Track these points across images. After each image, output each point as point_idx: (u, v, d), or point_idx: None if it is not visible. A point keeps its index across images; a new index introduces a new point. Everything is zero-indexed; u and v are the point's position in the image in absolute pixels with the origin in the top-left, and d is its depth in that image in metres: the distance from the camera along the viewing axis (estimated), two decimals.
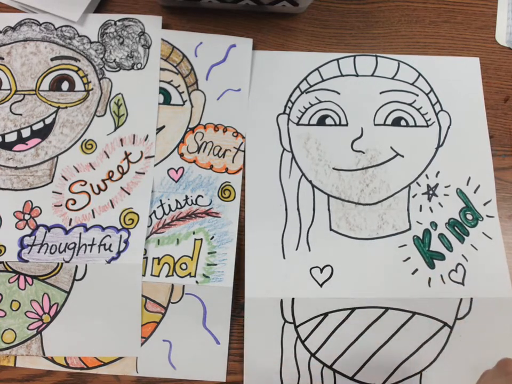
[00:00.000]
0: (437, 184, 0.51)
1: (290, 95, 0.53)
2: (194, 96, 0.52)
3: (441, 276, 0.49)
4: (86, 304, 0.46)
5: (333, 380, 0.46)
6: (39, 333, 0.46)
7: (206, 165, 0.51)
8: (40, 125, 0.50)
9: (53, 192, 0.49)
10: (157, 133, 0.51)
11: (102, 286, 0.47)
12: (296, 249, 0.49)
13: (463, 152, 0.53)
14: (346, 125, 0.53)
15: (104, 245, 0.48)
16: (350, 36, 0.56)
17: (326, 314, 0.47)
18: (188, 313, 0.47)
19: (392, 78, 0.54)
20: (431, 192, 0.51)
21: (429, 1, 0.58)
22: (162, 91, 0.52)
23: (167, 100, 0.52)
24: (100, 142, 0.50)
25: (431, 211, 0.51)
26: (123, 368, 0.46)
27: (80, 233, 0.48)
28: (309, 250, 0.49)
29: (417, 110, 0.53)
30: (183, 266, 0.48)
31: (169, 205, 0.49)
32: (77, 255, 0.47)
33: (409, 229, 0.50)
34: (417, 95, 0.54)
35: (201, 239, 0.49)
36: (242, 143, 0.52)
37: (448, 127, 0.53)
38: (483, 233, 0.50)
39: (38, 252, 0.47)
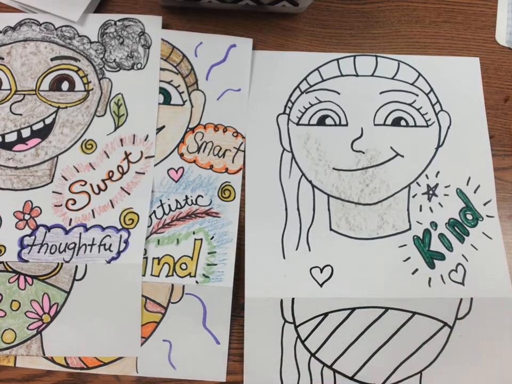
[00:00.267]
0: (437, 184, 0.51)
1: (290, 95, 0.53)
2: (194, 96, 0.52)
3: (441, 275, 0.49)
4: (86, 304, 0.46)
5: (333, 379, 0.46)
6: (39, 333, 0.46)
7: (206, 165, 0.51)
8: (40, 125, 0.50)
9: (53, 192, 0.49)
10: (157, 133, 0.51)
11: (102, 286, 0.47)
12: (296, 249, 0.49)
13: (463, 152, 0.53)
14: (346, 125, 0.53)
15: (104, 245, 0.48)
16: (350, 36, 0.56)
17: (326, 314, 0.47)
18: (188, 313, 0.47)
19: (392, 78, 0.54)
20: (431, 192, 0.51)
21: (429, 1, 0.58)
22: (162, 91, 0.52)
23: (167, 100, 0.52)
24: (99, 142, 0.50)
25: (431, 211, 0.51)
26: (123, 368, 0.46)
27: (80, 233, 0.48)
28: (309, 250, 0.49)
29: (417, 110, 0.53)
30: (183, 266, 0.48)
31: (169, 205, 0.49)
32: (77, 255, 0.47)
33: (409, 229, 0.50)
34: (417, 95, 0.54)
35: (201, 239, 0.49)
36: (242, 143, 0.52)
37: (448, 127, 0.53)
38: (483, 233, 0.50)
39: (38, 252, 0.47)
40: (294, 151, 0.52)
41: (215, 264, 0.48)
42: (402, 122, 0.53)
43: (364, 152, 0.52)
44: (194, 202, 0.50)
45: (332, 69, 0.54)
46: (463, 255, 0.49)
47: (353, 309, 0.47)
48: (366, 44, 0.56)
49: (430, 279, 0.49)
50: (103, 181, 0.49)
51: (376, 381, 0.46)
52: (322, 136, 0.52)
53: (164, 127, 0.51)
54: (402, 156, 0.52)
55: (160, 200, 0.49)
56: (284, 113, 0.53)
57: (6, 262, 0.47)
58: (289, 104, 0.53)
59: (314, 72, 0.54)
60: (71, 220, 0.48)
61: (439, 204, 0.51)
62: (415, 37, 0.56)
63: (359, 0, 0.57)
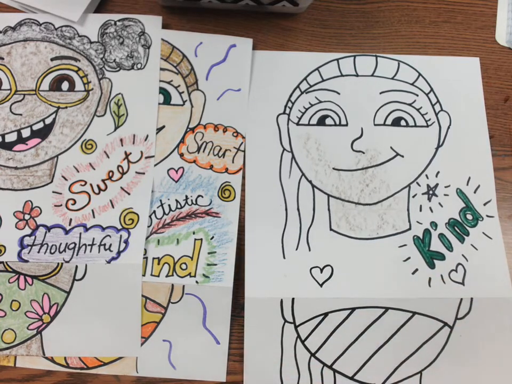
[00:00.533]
0: (437, 184, 0.51)
1: (290, 95, 0.53)
2: (194, 96, 0.52)
3: (442, 275, 0.49)
4: (86, 304, 0.46)
5: (333, 379, 0.46)
6: (39, 333, 0.46)
7: (206, 165, 0.51)
8: (40, 125, 0.50)
9: (53, 192, 0.49)
10: (157, 133, 0.51)
11: (102, 286, 0.47)
12: (296, 249, 0.49)
13: (463, 152, 0.53)
14: (346, 125, 0.53)
15: (104, 245, 0.48)
16: (350, 36, 0.56)
17: (326, 314, 0.47)
18: (188, 313, 0.47)
19: (392, 78, 0.54)
20: (431, 192, 0.51)
21: (429, 1, 0.58)
22: (162, 91, 0.52)
23: (167, 100, 0.52)
24: (99, 142, 0.50)
25: (431, 211, 0.51)
26: (123, 368, 0.46)
27: (80, 233, 0.48)
28: (309, 250, 0.49)
29: (417, 110, 0.53)
30: (183, 266, 0.48)
31: (169, 205, 0.49)
32: (77, 255, 0.47)
33: (409, 229, 0.50)
34: (417, 95, 0.54)
35: (201, 239, 0.49)
36: (242, 143, 0.52)
37: (448, 127, 0.53)
38: (483, 233, 0.50)
39: (38, 252, 0.47)
40: (294, 151, 0.52)
41: (215, 264, 0.48)
42: (402, 122, 0.53)
43: (363, 152, 0.52)
44: (194, 202, 0.50)
45: (332, 69, 0.54)
46: (463, 255, 0.49)
47: (353, 309, 0.47)
48: (366, 44, 0.56)
49: (430, 279, 0.49)
50: (103, 181, 0.49)
51: (376, 381, 0.46)
52: (322, 136, 0.52)
53: (163, 127, 0.51)
54: (402, 156, 0.52)
55: (160, 200, 0.49)
56: (284, 113, 0.53)
57: (6, 262, 0.47)
58: (289, 104, 0.53)
59: (314, 72, 0.54)
60: (71, 220, 0.48)
61: (439, 204, 0.51)
62: (415, 37, 0.56)
63: (359, 0, 0.57)
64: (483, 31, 0.57)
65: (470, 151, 0.53)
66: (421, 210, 0.51)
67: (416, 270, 0.49)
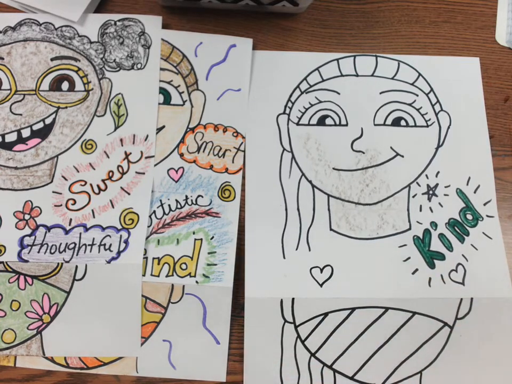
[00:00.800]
0: (437, 184, 0.51)
1: (290, 95, 0.53)
2: (194, 96, 0.52)
3: (442, 275, 0.49)
4: (86, 304, 0.46)
5: (333, 379, 0.46)
6: (39, 333, 0.46)
7: (206, 165, 0.51)
8: (40, 125, 0.50)
9: (53, 192, 0.49)
10: (157, 133, 0.51)
11: (102, 286, 0.47)
12: (296, 249, 0.49)
13: (463, 152, 0.53)
14: (346, 125, 0.53)
15: (104, 245, 0.48)
16: (350, 36, 0.56)
17: (326, 314, 0.47)
18: (188, 313, 0.47)
19: (392, 78, 0.54)
20: (431, 192, 0.51)
21: (429, 1, 0.58)
22: (162, 91, 0.52)
23: (167, 100, 0.52)
24: (99, 142, 0.50)
25: (431, 211, 0.51)
26: (123, 368, 0.46)
27: (80, 233, 0.48)
28: (309, 250, 0.49)
29: (417, 110, 0.53)
30: (183, 266, 0.48)
31: (169, 205, 0.49)
32: (77, 255, 0.47)
33: (409, 229, 0.50)
34: (417, 95, 0.54)
35: (201, 239, 0.49)
36: (242, 143, 0.52)
37: (448, 127, 0.53)
38: (483, 233, 0.50)
39: (38, 252, 0.47)
40: (294, 151, 0.52)
41: (215, 264, 0.48)
42: (402, 122, 0.53)
43: (363, 152, 0.52)
44: (194, 202, 0.50)
45: (332, 69, 0.54)
46: (463, 255, 0.49)
47: (353, 309, 0.47)
48: (366, 44, 0.56)
49: (430, 279, 0.49)
50: (103, 181, 0.49)
51: (376, 381, 0.46)
52: (322, 136, 0.52)
53: (164, 127, 0.51)
54: (402, 156, 0.52)
55: (160, 200, 0.49)
56: (284, 113, 0.53)
57: (6, 262, 0.47)
58: (289, 104, 0.53)
59: (314, 72, 0.54)
60: (71, 220, 0.48)
61: (439, 204, 0.51)
62: (415, 37, 0.56)
63: (359, 0, 0.57)
64: (483, 31, 0.57)
65: (470, 151, 0.53)
66: (421, 210, 0.51)
67: (416, 270, 0.49)
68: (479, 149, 0.53)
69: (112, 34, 0.53)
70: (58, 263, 0.47)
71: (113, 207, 0.49)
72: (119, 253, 0.47)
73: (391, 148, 0.52)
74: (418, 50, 0.56)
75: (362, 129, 0.52)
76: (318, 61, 0.54)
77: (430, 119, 0.53)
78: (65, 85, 0.51)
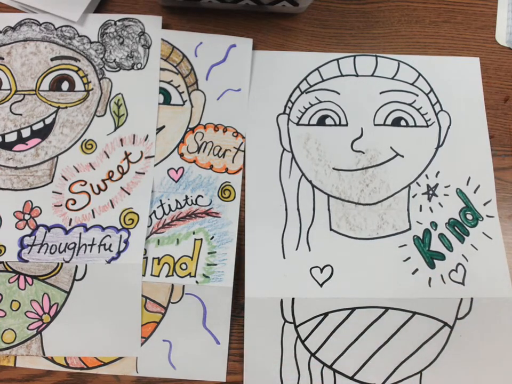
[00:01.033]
0: (437, 184, 0.51)
1: (290, 95, 0.53)
2: (194, 96, 0.52)
3: (442, 275, 0.49)
4: (86, 304, 0.46)
5: (333, 379, 0.46)
6: (39, 333, 0.46)
7: (206, 165, 0.51)
8: (40, 125, 0.50)
9: (53, 192, 0.49)
10: (157, 133, 0.51)
11: (102, 286, 0.47)
12: (296, 249, 0.49)
13: (463, 152, 0.53)
14: (346, 125, 0.53)
15: (104, 245, 0.48)
16: (350, 36, 0.56)
17: (326, 314, 0.47)
18: (188, 313, 0.47)
19: (392, 78, 0.54)
20: (431, 192, 0.51)
21: (429, 1, 0.58)
22: (162, 91, 0.52)
23: (167, 100, 0.52)
24: (99, 142, 0.50)
25: (431, 211, 0.51)
26: (123, 368, 0.46)
27: (80, 233, 0.48)
28: (309, 250, 0.49)
29: (417, 110, 0.53)
30: (183, 266, 0.48)
31: (169, 205, 0.49)
32: (77, 255, 0.47)
33: (409, 229, 0.50)
34: (417, 95, 0.54)
35: (201, 239, 0.49)
36: (242, 143, 0.52)
37: (448, 127, 0.53)
38: (483, 233, 0.50)
39: (38, 252, 0.47)
40: (294, 151, 0.52)
41: (215, 264, 0.48)
42: (402, 122, 0.53)
43: (363, 152, 0.52)
44: (194, 202, 0.50)
45: (332, 69, 0.54)
46: (463, 255, 0.49)
47: (353, 309, 0.47)
48: (366, 44, 0.56)
49: (430, 279, 0.49)
50: (103, 181, 0.49)
51: (376, 381, 0.46)
52: (322, 136, 0.52)
53: (164, 127, 0.51)
54: (402, 156, 0.52)
55: (160, 200, 0.49)
56: (284, 113, 0.53)
57: (6, 262, 0.47)
58: (289, 104, 0.53)
59: (314, 72, 0.54)
60: (71, 220, 0.48)
61: (439, 203, 0.51)
62: (415, 37, 0.56)
63: (359, 0, 0.57)
64: (483, 31, 0.57)
65: (470, 151, 0.53)
66: (421, 210, 0.51)
67: (416, 270, 0.49)
68: (479, 149, 0.53)
69: (112, 34, 0.53)
70: (58, 263, 0.47)
71: (113, 207, 0.49)
72: (119, 253, 0.47)
73: (391, 148, 0.52)
74: (418, 50, 0.56)
75: (362, 129, 0.52)
76: (318, 61, 0.55)
77: (430, 119, 0.53)
78: (65, 85, 0.51)
